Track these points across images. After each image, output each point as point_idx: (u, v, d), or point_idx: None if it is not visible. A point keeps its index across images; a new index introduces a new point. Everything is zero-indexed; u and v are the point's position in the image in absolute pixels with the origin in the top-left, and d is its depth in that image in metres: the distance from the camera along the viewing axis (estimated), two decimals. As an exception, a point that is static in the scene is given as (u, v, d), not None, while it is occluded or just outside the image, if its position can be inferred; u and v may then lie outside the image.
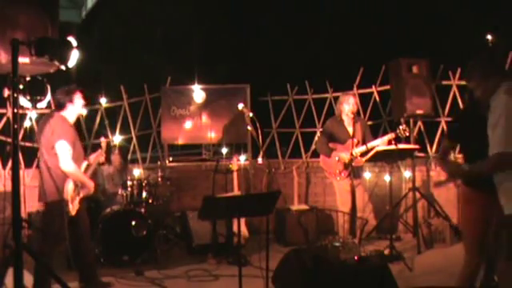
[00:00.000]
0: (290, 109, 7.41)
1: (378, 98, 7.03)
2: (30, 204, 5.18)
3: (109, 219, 5.29)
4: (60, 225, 4.02)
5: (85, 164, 4.41)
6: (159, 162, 7.10)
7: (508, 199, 2.90)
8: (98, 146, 4.88)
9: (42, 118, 4.39)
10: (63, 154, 4.07)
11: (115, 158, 6.21)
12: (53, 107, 6.40)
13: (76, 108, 4.31)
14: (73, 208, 4.17)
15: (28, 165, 6.36)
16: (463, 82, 5.86)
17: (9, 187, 3.71)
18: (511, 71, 3.08)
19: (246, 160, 7.01)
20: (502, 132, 2.79)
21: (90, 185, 4.36)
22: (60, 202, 4.08)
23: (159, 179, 6.15)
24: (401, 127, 5.55)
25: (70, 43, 2.90)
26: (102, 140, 4.87)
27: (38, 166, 4.27)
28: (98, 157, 4.63)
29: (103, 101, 7.06)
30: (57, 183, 4.07)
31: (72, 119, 4.33)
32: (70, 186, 4.15)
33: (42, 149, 4.15)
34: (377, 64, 6.94)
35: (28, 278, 3.78)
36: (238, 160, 6.51)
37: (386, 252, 5.19)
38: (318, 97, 7.37)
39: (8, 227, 4.96)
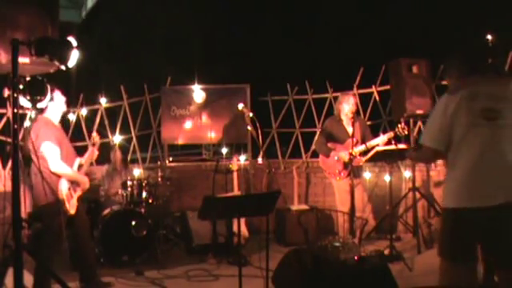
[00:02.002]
0: (290, 109, 7.42)
1: (378, 98, 7.03)
2: (30, 204, 5.18)
3: (109, 219, 5.29)
4: (59, 225, 4.00)
5: (77, 161, 4.39)
6: (159, 162, 7.11)
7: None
8: (99, 147, 4.87)
9: (27, 124, 4.36)
10: (51, 155, 4.05)
11: (115, 157, 6.21)
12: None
13: (58, 106, 4.27)
14: (70, 206, 4.16)
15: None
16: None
17: (9, 187, 3.71)
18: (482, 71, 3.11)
19: (246, 160, 7.02)
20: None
21: (84, 181, 4.34)
22: (56, 202, 4.06)
23: (159, 179, 6.15)
24: (399, 126, 5.55)
25: (70, 43, 2.89)
26: (94, 135, 4.85)
27: (29, 173, 4.22)
28: (91, 154, 4.59)
29: (103, 101, 7.07)
30: (50, 184, 4.05)
31: (56, 119, 4.29)
32: (64, 186, 4.13)
33: (31, 154, 4.12)
34: (377, 64, 6.93)
35: (28, 278, 3.78)
36: (238, 160, 6.51)
37: (386, 252, 5.19)
38: (317, 97, 7.37)
39: (8, 227, 4.96)
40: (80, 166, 4.40)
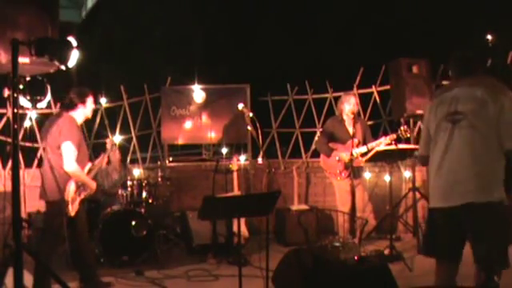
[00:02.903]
0: (290, 109, 7.41)
1: (377, 98, 7.03)
2: (30, 204, 5.19)
3: (109, 219, 5.29)
4: (59, 224, 4.02)
5: (88, 166, 4.41)
6: (159, 162, 7.10)
7: None
8: (98, 146, 4.88)
9: (50, 117, 4.40)
10: (68, 155, 4.07)
11: (115, 157, 6.20)
12: (52, 107, 6.45)
13: (86, 111, 4.34)
14: (72, 209, 4.17)
15: (28, 165, 6.36)
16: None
17: (9, 187, 3.71)
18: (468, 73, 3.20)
19: (246, 160, 7.01)
20: None
21: (93, 186, 4.36)
22: (60, 201, 4.08)
23: (159, 179, 6.15)
24: (402, 128, 5.55)
25: (70, 43, 2.90)
26: (108, 141, 4.86)
27: (39, 165, 4.28)
28: (102, 159, 4.64)
29: (103, 101, 7.07)
30: (59, 183, 4.08)
31: (80, 121, 4.34)
32: (71, 187, 4.15)
33: (46, 147, 4.16)
34: (377, 64, 6.93)
35: (28, 278, 3.78)
36: (238, 160, 6.51)
37: (386, 252, 5.19)
38: (317, 97, 7.37)
39: (8, 227, 4.97)
40: (89, 171, 4.41)
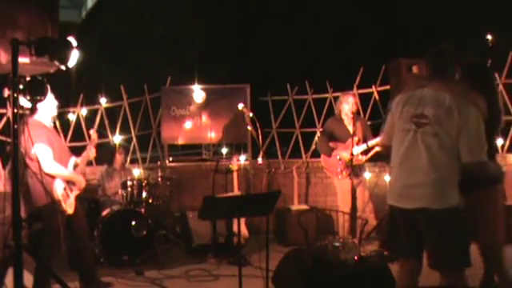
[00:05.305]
0: (290, 109, 7.41)
1: (377, 98, 7.03)
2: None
3: (109, 219, 5.29)
4: (57, 225, 3.98)
5: (72, 161, 4.34)
6: (159, 162, 7.10)
7: None
8: (98, 146, 4.84)
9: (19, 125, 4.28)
10: (43, 156, 3.99)
11: (119, 157, 6.18)
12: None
13: (49, 108, 4.18)
14: (67, 206, 4.12)
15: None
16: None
17: (9, 187, 3.70)
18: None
19: (246, 160, 7.01)
20: None
21: (79, 180, 4.30)
22: (52, 203, 4.03)
23: (159, 179, 6.15)
24: None
25: (70, 43, 2.90)
26: (92, 133, 4.78)
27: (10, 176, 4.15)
28: (88, 151, 4.52)
29: (103, 101, 7.07)
30: (45, 186, 4.00)
31: (47, 121, 4.20)
32: (58, 186, 4.09)
33: (25, 157, 4.07)
34: (377, 64, 6.94)
35: (28, 278, 3.77)
36: (238, 160, 6.51)
37: (386, 252, 5.18)
38: (318, 97, 7.37)
39: (8, 227, 4.95)
40: (76, 166, 4.37)
